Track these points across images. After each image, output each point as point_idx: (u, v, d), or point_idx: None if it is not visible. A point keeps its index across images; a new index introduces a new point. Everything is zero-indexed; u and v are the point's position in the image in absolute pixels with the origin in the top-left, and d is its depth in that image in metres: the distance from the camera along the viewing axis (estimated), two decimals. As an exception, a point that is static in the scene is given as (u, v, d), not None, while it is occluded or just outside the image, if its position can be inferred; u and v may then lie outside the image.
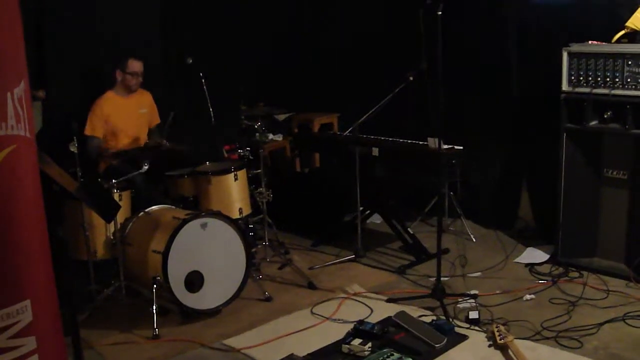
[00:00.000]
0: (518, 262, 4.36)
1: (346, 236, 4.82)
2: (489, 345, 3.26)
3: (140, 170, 4.24)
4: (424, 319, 3.53)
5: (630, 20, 3.91)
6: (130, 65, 4.49)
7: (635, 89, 3.75)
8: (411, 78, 4.23)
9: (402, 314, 3.51)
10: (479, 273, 4.24)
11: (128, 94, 4.58)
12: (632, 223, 4.00)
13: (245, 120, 4.56)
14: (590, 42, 3.98)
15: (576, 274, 4.09)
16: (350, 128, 4.48)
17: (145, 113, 4.69)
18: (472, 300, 3.77)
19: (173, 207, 4.07)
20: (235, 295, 3.85)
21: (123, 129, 4.52)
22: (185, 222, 3.67)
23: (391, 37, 5.47)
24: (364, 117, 4.32)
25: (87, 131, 4.42)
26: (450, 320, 3.52)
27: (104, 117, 4.44)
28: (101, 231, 3.90)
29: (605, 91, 3.86)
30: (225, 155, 4.71)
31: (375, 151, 4.52)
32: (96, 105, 4.45)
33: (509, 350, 3.15)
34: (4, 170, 2.04)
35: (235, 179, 4.22)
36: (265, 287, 4.04)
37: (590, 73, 3.91)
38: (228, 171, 4.20)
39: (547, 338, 3.31)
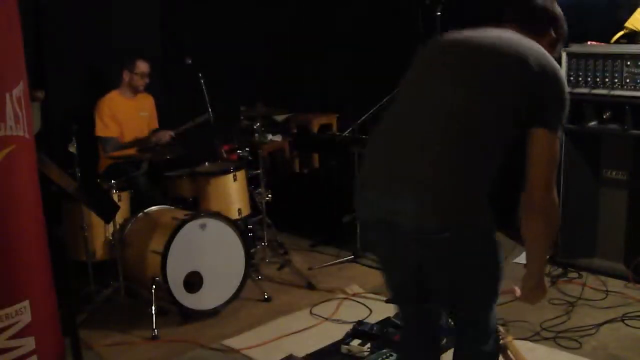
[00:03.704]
0: (517, 263, 4.35)
1: (345, 236, 4.81)
2: (488, 346, 3.25)
3: (139, 171, 4.25)
4: (423, 319, 3.53)
5: (629, 21, 3.91)
6: (139, 65, 4.52)
7: (634, 89, 3.75)
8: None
9: (401, 314, 3.51)
10: (478, 273, 4.23)
11: (133, 95, 4.60)
12: (631, 223, 4.00)
13: (244, 120, 4.57)
14: (589, 42, 3.98)
15: (575, 275, 4.09)
16: (350, 129, 4.48)
17: (145, 116, 4.70)
18: (471, 301, 3.77)
19: (172, 207, 4.07)
20: (235, 296, 3.85)
21: (123, 130, 4.52)
22: (184, 222, 3.66)
23: (390, 37, 5.46)
24: (363, 117, 4.33)
25: (101, 132, 4.43)
26: (450, 320, 3.51)
27: (113, 116, 4.46)
28: (100, 232, 3.89)
29: (605, 92, 3.86)
30: (225, 155, 4.71)
31: (375, 152, 4.51)
32: (103, 105, 4.47)
33: (508, 351, 3.14)
34: (2, 171, 2.04)
35: (235, 180, 4.21)
36: (264, 287, 4.04)
37: (589, 74, 3.91)
38: (227, 172, 4.20)
39: (546, 338, 3.31)
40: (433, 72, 2.17)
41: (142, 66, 4.54)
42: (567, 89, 2.08)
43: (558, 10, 2.23)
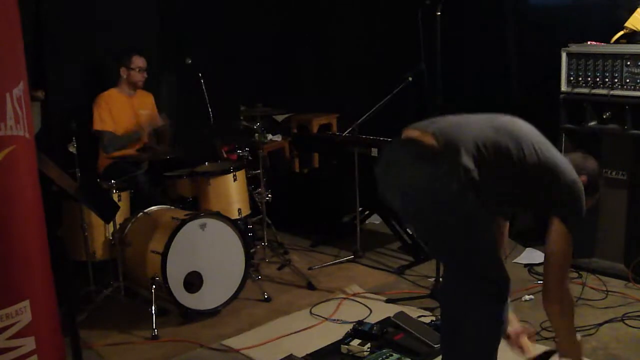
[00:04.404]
0: (517, 263, 4.36)
1: (345, 236, 4.82)
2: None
3: (140, 171, 4.25)
4: (423, 319, 3.53)
5: (629, 21, 3.92)
6: (135, 61, 4.54)
7: (634, 89, 3.75)
8: (410, 78, 4.23)
9: (401, 314, 3.51)
10: (478, 273, 4.23)
11: (132, 92, 4.61)
12: (630, 223, 4.00)
13: (244, 120, 4.57)
14: (589, 42, 3.98)
15: (575, 275, 4.08)
16: (350, 128, 4.48)
17: (145, 114, 4.70)
18: (471, 301, 3.76)
19: (172, 207, 4.07)
20: (235, 296, 3.85)
21: (123, 128, 4.53)
22: (184, 222, 3.66)
23: (390, 37, 5.47)
24: (363, 117, 4.33)
25: (97, 126, 4.45)
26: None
27: (110, 112, 4.47)
28: (100, 232, 3.90)
29: (604, 92, 3.86)
30: (224, 155, 4.72)
31: (374, 151, 4.52)
32: (101, 100, 4.48)
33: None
34: (2, 171, 2.04)
35: (235, 180, 4.22)
36: (264, 287, 4.04)
37: (589, 74, 3.91)
38: (227, 172, 4.20)
39: (546, 339, 3.30)
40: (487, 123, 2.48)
41: (139, 61, 4.56)
42: (584, 208, 2.47)
43: (590, 165, 2.63)
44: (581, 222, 2.49)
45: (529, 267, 4.26)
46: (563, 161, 2.47)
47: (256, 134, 4.41)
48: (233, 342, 3.44)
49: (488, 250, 2.42)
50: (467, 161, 2.27)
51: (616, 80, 3.81)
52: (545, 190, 2.43)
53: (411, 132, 2.45)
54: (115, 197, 3.93)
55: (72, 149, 3.72)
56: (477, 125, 2.41)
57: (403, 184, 2.39)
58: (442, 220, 2.35)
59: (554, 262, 2.48)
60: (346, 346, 3.23)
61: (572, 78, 3.98)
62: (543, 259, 2.57)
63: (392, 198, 2.49)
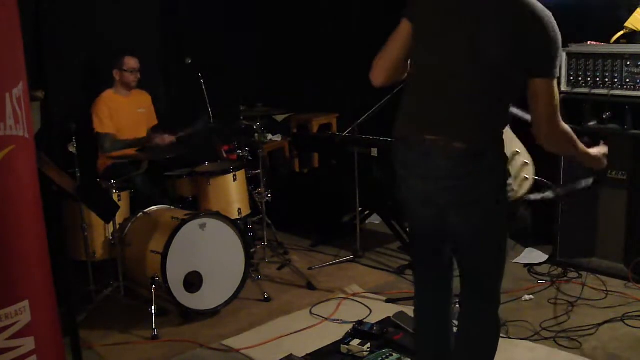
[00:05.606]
0: (517, 263, 4.36)
1: (345, 236, 4.82)
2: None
3: (140, 171, 4.25)
4: (423, 319, 3.53)
5: (629, 21, 3.91)
6: (127, 62, 4.54)
7: (634, 89, 3.75)
8: (410, 78, 4.23)
9: (401, 314, 3.51)
10: (478, 273, 4.23)
11: (127, 92, 4.61)
12: (630, 223, 4.00)
13: (244, 120, 4.57)
14: (589, 42, 3.98)
15: (575, 275, 4.09)
16: (350, 128, 4.48)
17: (143, 113, 4.72)
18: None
19: (172, 207, 4.07)
20: (234, 296, 3.85)
21: (122, 128, 4.53)
22: (184, 222, 3.66)
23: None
24: (363, 117, 4.32)
25: (98, 128, 4.45)
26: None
27: (109, 113, 4.47)
28: (100, 232, 3.90)
29: (604, 92, 3.86)
30: (224, 155, 4.72)
31: (374, 151, 4.52)
32: (98, 102, 4.49)
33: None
34: (2, 171, 2.04)
35: (234, 180, 4.22)
36: (264, 287, 4.04)
37: (589, 73, 3.91)
38: (227, 172, 4.20)
39: (546, 338, 3.31)
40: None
41: (131, 62, 4.56)
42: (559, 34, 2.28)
43: None
44: (559, 60, 2.30)
45: (529, 267, 4.26)
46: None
47: (256, 134, 4.41)
48: (233, 342, 3.44)
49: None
50: (490, 141, 2.27)
51: (616, 80, 3.81)
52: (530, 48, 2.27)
53: (429, 137, 2.30)
54: (115, 197, 3.93)
55: (72, 149, 3.73)
56: (467, 86, 2.30)
57: (443, 197, 2.26)
58: (491, 223, 2.30)
59: (540, 111, 2.30)
60: (346, 346, 3.23)
61: (572, 78, 3.98)
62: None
63: (423, 211, 2.37)
